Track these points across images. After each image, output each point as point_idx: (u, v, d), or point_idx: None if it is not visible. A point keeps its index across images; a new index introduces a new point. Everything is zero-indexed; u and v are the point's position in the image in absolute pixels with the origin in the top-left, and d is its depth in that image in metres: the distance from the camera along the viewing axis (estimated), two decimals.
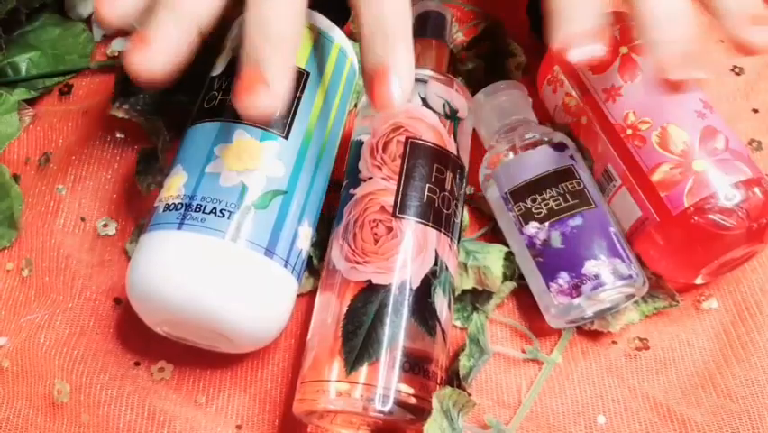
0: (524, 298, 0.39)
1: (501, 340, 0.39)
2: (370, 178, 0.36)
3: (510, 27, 0.48)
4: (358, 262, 0.34)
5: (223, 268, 0.32)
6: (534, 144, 0.39)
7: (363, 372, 0.31)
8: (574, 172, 0.38)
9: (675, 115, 0.37)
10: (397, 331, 0.32)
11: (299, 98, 0.36)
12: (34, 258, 0.41)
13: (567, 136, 0.40)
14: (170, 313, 0.33)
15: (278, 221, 0.34)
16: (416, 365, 0.32)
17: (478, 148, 0.42)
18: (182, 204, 0.33)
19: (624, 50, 0.39)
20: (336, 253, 0.35)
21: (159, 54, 0.30)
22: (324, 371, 0.32)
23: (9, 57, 0.47)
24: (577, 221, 0.36)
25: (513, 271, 0.39)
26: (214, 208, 0.32)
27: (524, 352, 0.38)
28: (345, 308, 0.33)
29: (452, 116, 0.38)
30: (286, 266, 0.34)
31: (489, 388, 0.37)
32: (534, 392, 0.37)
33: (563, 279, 0.36)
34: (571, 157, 0.39)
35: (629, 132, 0.37)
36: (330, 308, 0.34)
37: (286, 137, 0.35)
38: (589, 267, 0.35)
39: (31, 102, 0.47)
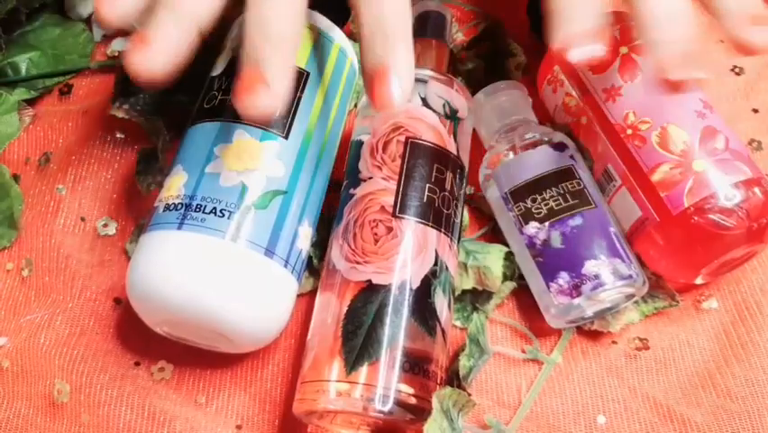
0: (524, 298, 0.39)
1: (501, 340, 0.39)
2: (370, 178, 0.36)
3: (510, 27, 0.48)
4: (358, 262, 0.34)
5: (223, 268, 0.32)
6: (534, 144, 0.39)
7: (363, 372, 0.31)
8: (574, 172, 0.38)
9: (675, 115, 0.37)
10: (397, 331, 0.32)
11: (299, 98, 0.36)
12: (34, 258, 0.41)
13: (567, 136, 0.40)
14: (170, 313, 0.33)
15: (278, 221, 0.34)
16: (415, 365, 0.32)
17: (478, 148, 0.42)
18: (182, 204, 0.33)
19: (624, 50, 0.39)
20: (336, 253, 0.35)
21: (159, 54, 0.30)
22: (324, 371, 0.32)
23: (9, 57, 0.47)
24: (577, 221, 0.36)
25: (513, 271, 0.39)
26: (214, 208, 0.32)
27: (524, 352, 0.38)
28: (345, 308, 0.33)
29: (452, 116, 0.38)
30: (286, 266, 0.34)
31: (489, 388, 0.37)
32: (534, 392, 0.37)
33: (563, 279, 0.36)
34: (571, 157, 0.39)
35: (629, 132, 0.37)
36: (330, 308, 0.34)
37: (286, 137, 0.35)
38: (589, 267, 0.35)
39: (31, 102, 0.47)
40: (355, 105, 0.45)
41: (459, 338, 0.38)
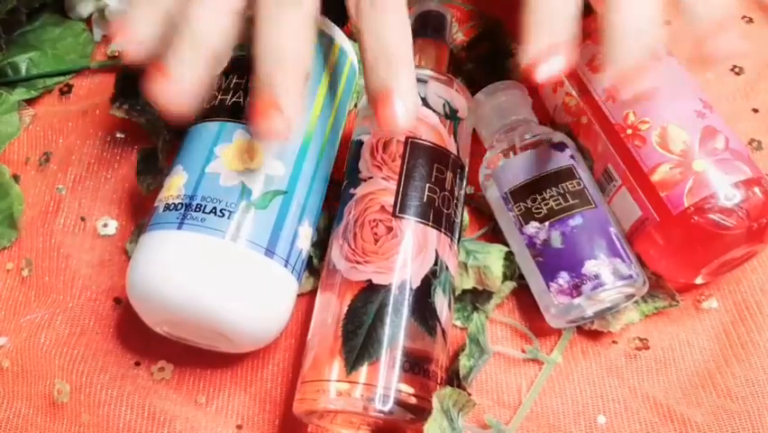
0: (524, 297, 0.39)
1: (501, 340, 0.39)
2: (370, 178, 0.36)
3: (510, 27, 0.48)
4: (358, 262, 0.34)
5: (223, 268, 0.32)
6: (535, 144, 0.39)
7: (363, 371, 0.31)
8: (574, 172, 0.38)
9: (675, 114, 0.37)
10: (397, 331, 0.32)
11: None
12: (34, 258, 0.41)
13: (567, 136, 0.40)
14: (170, 313, 0.33)
15: (279, 221, 0.34)
16: (416, 365, 0.32)
17: (478, 148, 0.42)
18: (182, 204, 0.33)
19: None
20: (336, 252, 0.35)
21: (180, 87, 0.31)
22: (324, 370, 0.32)
23: (9, 57, 0.47)
24: (577, 221, 0.36)
25: (513, 271, 0.39)
26: (215, 208, 0.32)
27: (524, 352, 0.38)
28: (345, 308, 0.33)
29: (452, 116, 0.38)
30: (286, 266, 0.34)
31: (490, 388, 0.37)
32: (535, 392, 0.37)
33: (563, 278, 0.36)
34: (572, 157, 0.39)
35: (629, 132, 0.37)
36: (330, 308, 0.34)
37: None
38: (590, 267, 0.35)
39: (31, 102, 0.47)
40: (355, 106, 0.45)
41: (459, 338, 0.38)
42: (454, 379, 0.35)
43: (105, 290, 0.40)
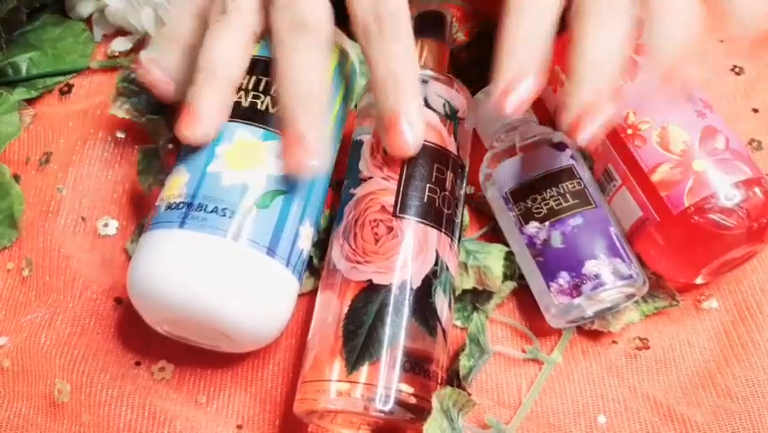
0: (524, 297, 0.39)
1: (501, 340, 0.39)
2: (371, 178, 0.36)
3: None
4: (358, 262, 0.34)
5: (224, 266, 0.32)
6: (535, 144, 0.39)
7: (364, 371, 0.31)
8: (574, 172, 0.38)
9: (675, 114, 0.37)
10: (397, 331, 0.32)
11: None
12: (35, 258, 0.41)
13: (567, 136, 0.40)
14: (171, 312, 0.33)
15: (280, 221, 0.34)
16: (416, 365, 0.32)
17: (478, 148, 0.42)
18: (184, 203, 0.33)
19: None
20: (337, 252, 0.35)
21: (208, 125, 0.34)
22: (324, 370, 0.32)
23: (9, 56, 0.47)
24: (577, 221, 0.36)
25: (513, 271, 0.39)
26: (216, 207, 0.32)
27: (524, 352, 0.38)
28: (346, 308, 0.33)
29: (452, 116, 0.38)
30: (287, 266, 0.34)
31: (490, 388, 0.37)
32: (535, 392, 0.37)
33: (564, 278, 0.36)
34: (572, 157, 0.39)
35: (629, 131, 0.37)
36: (331, 308, 0.34)
37: None
38: (590, 267, 0.35)
39: (31, 102, 0.47)
40: (355, 106, 0.45)
41: (459, 338, 0.38)
42: (454, 379, 0.35)
43: (105, 289, 0.40)
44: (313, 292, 0.38)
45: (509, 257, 0.39)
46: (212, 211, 0.32)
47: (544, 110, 0.44)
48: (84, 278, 0.40)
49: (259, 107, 0.35)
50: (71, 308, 0.39)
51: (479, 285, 0.38)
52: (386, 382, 0.31)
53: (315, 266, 0.39)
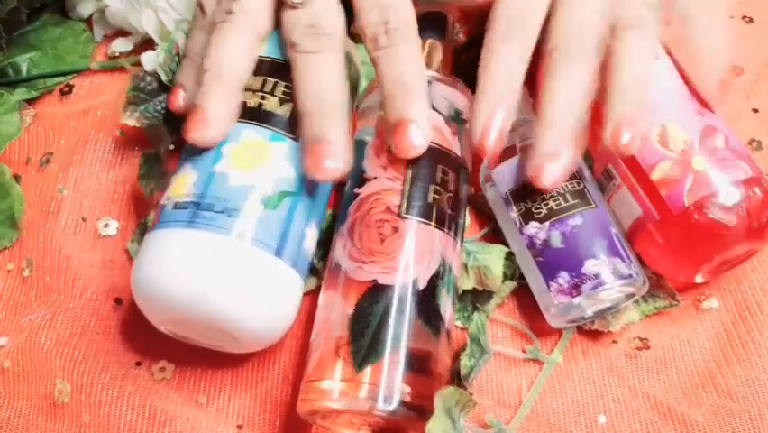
0: (524, 298, 0.39)
1: (502, 340, 0.39)
2: (375, 178, 0.36)
3: None
4: (364, 262, 0.34)
5: (232, 267, 0.32)
6: None
7: (369, 371, 0.31)
8: (574, 172, 0.38)
9: (675, 114, 0.37)
10: (402, 331, 0.32)
11: None
12: (35, 258, 0.41)
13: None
14: (177, 312, 0.33)
15: (287, 222, 0.34)
16: (421, 365, 0.32)
17: None
18: (191, 202, 0.33)
19: None
20: (340, 251, 0.35)
21: (217, 128, 0.34)
22: (329, 370, 0.32)
23: (10, 57, 0.47)
24: (577, 221, 0.36)
25: (513, 271, 0.39)
26: (224, 208, 0.32)
27: (524, 352, 0.38)
28: (351, 308, 0.33)
29: (456, 118, 0.38)
30: (293, 266, 0.34)
31: (490, 388, 0.37)
32: (535, 392, 0.37)
33: (563, 278, 0.36)
34: None
35: None
36: (335, 308, 0.34)
37: (295, 138, 0.35)
38: (589, 266, 0.35)
39: (32, 102, 0.47)
40: (356, 107, 0.45)
41: (459, 338, 0.38)
42: (455, 379, 0.35)
43: (105, 290, 0.40)
44: (313, 292, 0.38)
45: (510, 257, 0.39)
46: (220, 211, 0.32)
47: None
48: (84, 278, 0.40)
49: (265, 108, 0.35)
50: (72, 308, 0.39)
51: (479, 285, 0.38)
52: (391, 381, 0.31)
53: (315, 266, 0.39)
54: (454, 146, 0.37)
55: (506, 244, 0.39)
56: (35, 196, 0.43)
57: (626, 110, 0.35)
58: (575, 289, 0.35)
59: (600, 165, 0.39)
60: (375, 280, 0.33)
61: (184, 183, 0.34)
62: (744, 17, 0.50)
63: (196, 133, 0.34)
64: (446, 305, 0.34)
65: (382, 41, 0.35)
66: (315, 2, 0.35)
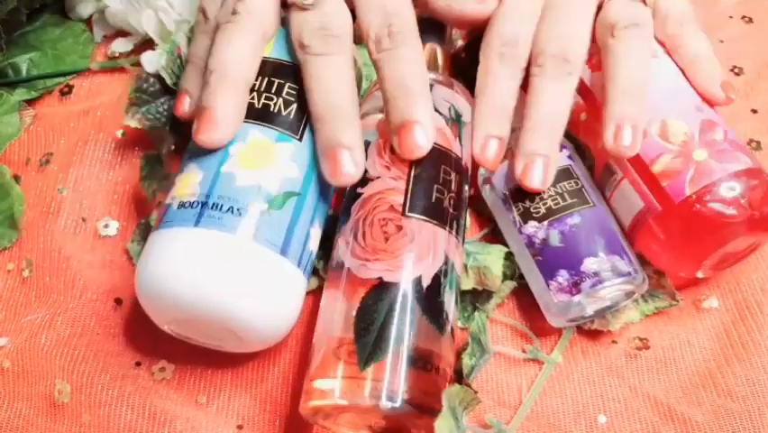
0: (524, 297, 0.39)
1: (502, 340, 0.39)
2: (378, 177, 0.36)
3: None
4: (368, 260, 0.34)
5: (239, 266, 0.32)
6: None
7: (374, 368, 0.31)
8: (572, 172, 0.38)
9: (674, 108, 0.37)
10: (407, 329, 0.32)
11: None
12: (35, 258, 0.41)
13: (565, 137, 0.40)
14: (182, 311, 0.33)
15: (292, 222, 0.34)
16: (424, 363, 0.32)
17: None
18: (198, 202, 0.33)
19: None
20: (343, 250, 0.35)
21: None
22: (332, 368, 0.32)
23: (10, 57, 0.48)
24: (575, 219, 0.36)
25: (513, 271, 0.39)
26: (231, 207, 0.32)
27: (524, 351, 0.38)
28: (356, 306, 0.33)
29: (457, 119, 0.38)
30: (298, 266, 0.34)
31: (490, 388, 0.37)
32: (535, 392, 0.37)
33: (563, 276, 0.36)
34: (569, 157, 0.39)
35: None
36: (338, 307, 0.34)
37: (300, 139, 0.35)
38: (588, 264, 0.35)
39: (31, 102, 0.47)
40: None
41: (459, 338, 0.38)
42: (457, 377, 0.35)
43: (105, 290, 0.40)
44: (313, 292, 0.38)
45: (509, 257, 0.39)
46: (227, 210, 0.32)
47: None
48: (84, 279, 0.40)
49: (272, 109, 0.35)
50: (71, 308, 0.39)
51: (479, 285, 0.38)
52: (395, 379, 0.31)
53: (315, 265, 0.39)
54: (455, 147, 0.37)
55: (505, 244, 0.39)
56: (35, 196, 0.43)
57: (626, 110, 0.35)
58: (575, 287, 0.35)
59: (601, 162, 0.39)
60: (380, 278, 0.33)
61: (189, 183, 0.34)
62: (744, 17, 0.50)
63: (205, 135, 0.34)
64: (450, 303, 0.34)
65: (385, 44, 0.35)
66: (325, 3, 0.35)
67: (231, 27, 0.35)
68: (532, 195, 0.37)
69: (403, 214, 0.35)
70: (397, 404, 0.31)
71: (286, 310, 0.34)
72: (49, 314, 0.39)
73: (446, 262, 0.35)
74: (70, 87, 0.48)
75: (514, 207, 0.38)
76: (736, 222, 0.35)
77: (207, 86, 0.34)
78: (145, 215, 0.41)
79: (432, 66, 0.41)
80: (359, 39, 0.37)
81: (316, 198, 0.35)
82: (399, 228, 0.34)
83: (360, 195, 0.36)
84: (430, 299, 0.33)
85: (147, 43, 0.47)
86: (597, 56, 0.39)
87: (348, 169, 0.34)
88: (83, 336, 0.39)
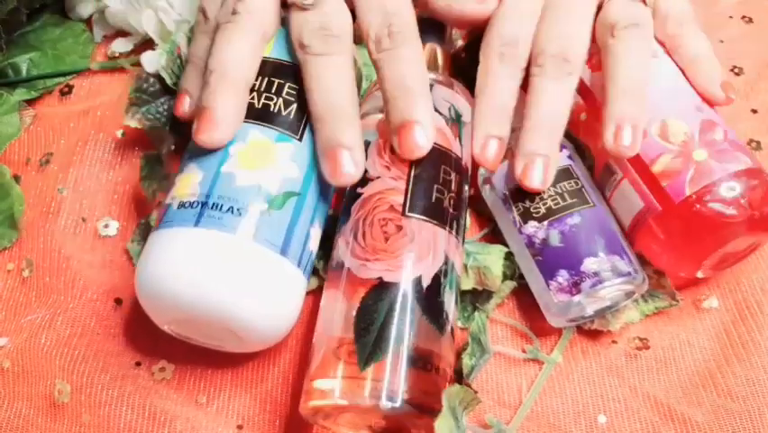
0: (524, 297, 0.39)
1: (502, 340, 0.39)
2: (378, 177, 0.36)
3: None
4: (368, 260, 0.34)
5: (239, 266, 0.32)
6: None
7: (374, 368, 0.31)
8: (572, 172, 0.38)
9: (674, 108, 0.37)
10: (408, 329, 0.32)
11: None
12: (35, 258, 0.41)
13: (565, 137, 0.40)
14: (183, 311, 0.33)
15: (292, 222, 0.34)
16: (424, 363, 0.32)
17: None
18: (198, 202, 0.33)
19: None
20: (344, 250, 0.35)
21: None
22: (332, 368, 0.32)
23: (10, 57, 0.48)
24: (575, 219, 0.36)
25: (513, 271, 0.39)
26: (231, 207, 0.32)
27: (524, 351, 0.38)
28: (356, 306, 0.33)
29: (457, 119, 0.38)
30: (299, 266, 0.34)
31: (490, 388, 0.37)
32: (535, 392, 0.37)
33: (563, 276, 0.36)
34: (569, 157, 0.39)
35: None
36: (338, 307, 0.34)
37: (300, 139, 0.35)
38: (588, 264, 0.35)
39: (31, 102, 0.47)
40: None
41: (459, 338, 0.38)
42: (458, 377, 0.35)
43: (105, 290, 0.40)
44: (312, 292, 0.38)
45: (509, 257, 0.39)
46: (227, 210, 0.32)
47: None
48: (84, 279, 0.40)
49: (272, 109, 0.35)
50: (71, 308, 0.39)
51: (478, 285, 0.38)
52: (395, 378, 0.31)
53: (315, 265, 0.39)
54: (455, 147, 0.37)
55: (505, 244, 0.39)
56: (35, 196, 0.43)
57: (626, 110, 0.35)
58: (575, 287, 0.35)
59: (601, 162, 0.39)
60: (380, 278, 0.33)
61: (189, 183, 0.34)
62: (744, 17, 0.50)
63: (205, 135, 0.34)
64: (450, 303, 0.34)
65: (385, 44, 0.35)
66: (325, 3, 0.35)
67: (231, 27, 0.35)
68: (532, 195, 0.37)
69: (403, 214, 0.35)
70: (397, 404, 0.31)
71: (286, 310, 0.34)
72: (49, 314, 0.39)
73: (446, 262, 0.35)
74: (70, 87, 0.48)
75: (514, 207, 0.38)
76: (736, 222, 0.35)
77: (207, 86, 0.34)
78: (145, 215, 0.41)
79: (432, 66, 0.41)
80: (359, 39, 0.37)
81: (316, 198, 0.35)
82: (399, 228, 0.34)
83: (360, 195, 0.36)
84: (430, 299, 0.33)
85: (147, 43, 0.47)
86: (597, 56, 0.39)
87: (348, 169, 0.34)
88: (83, 336, 0.39)
